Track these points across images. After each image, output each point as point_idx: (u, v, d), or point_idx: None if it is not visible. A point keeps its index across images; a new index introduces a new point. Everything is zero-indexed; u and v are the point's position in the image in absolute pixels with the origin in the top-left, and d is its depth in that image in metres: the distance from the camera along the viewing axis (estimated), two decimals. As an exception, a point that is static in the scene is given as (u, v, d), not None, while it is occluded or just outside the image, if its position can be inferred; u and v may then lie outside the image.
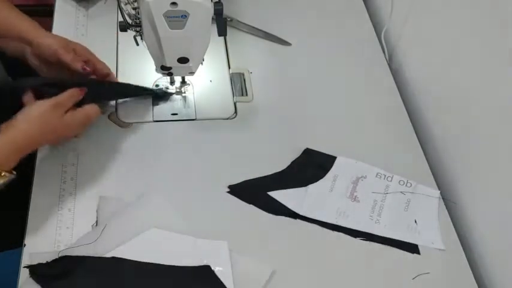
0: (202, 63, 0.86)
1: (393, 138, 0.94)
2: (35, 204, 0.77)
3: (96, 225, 0.76)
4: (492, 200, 0.81)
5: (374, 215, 0.83)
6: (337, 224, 0.81)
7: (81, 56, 0.83)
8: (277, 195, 0.83)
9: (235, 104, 0.95)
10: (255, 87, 0.98)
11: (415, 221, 0.83)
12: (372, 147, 0.92)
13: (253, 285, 0.72)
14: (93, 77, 0.86)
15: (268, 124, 0.93)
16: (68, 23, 1.01)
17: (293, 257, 0.77)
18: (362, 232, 0.81)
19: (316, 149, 0.89)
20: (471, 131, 0.86)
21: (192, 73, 0.87)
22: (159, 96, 0.93)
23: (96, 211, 0.78)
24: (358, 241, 0.80)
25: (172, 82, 0.94)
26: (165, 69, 0.85)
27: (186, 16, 0.74)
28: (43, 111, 0.74)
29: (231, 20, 1.07)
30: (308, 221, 0.81)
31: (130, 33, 0.82)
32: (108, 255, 0.72)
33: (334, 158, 0.88)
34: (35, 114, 0.74)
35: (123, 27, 0.81)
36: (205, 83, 0.97)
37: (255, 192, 0.83)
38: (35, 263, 0.71)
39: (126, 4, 0.79)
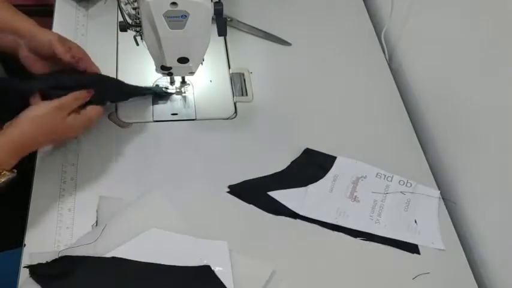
0: (202, 63, 0.86)
1: (393, 138, 0.94)
2: (35, 204, 0.77)
3: (96, 225, 0.76)
4: (492, 200, 0.81)
5: (374, 215, 0.83)
6: (337, 224, 0.81)
7: (76, 53, 0.83)
8: (277, 195, 0.83)
9: (235, 104, 0.95)
10: (255, 87, 0.98)
11: (415, 221, 0.83)
12: (372, 147, 0.92)
13: (253, 285, 0.72)
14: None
15: (268, 124, 0.93)
16: (68, 23, 1.01)
17: (293, 257, 0.77)
18: (362, 232, 0.81)
19: (316, 149, 0.89)
20: (471, 131, 0.86)
21: (192, 73, 0.87)
22: (159, 95, 0.93)
23: (96, 211, 0.78)
24: (358, 241, 0.80)
25: (172, 82, 0.94)
26: (165, 69, 0.85)
27: (186, 16, 0.74)
28: (46, 112, 0.75)
29: (231, 20, 1.07)
30: (308, 221, 0.81)
31: (130, 33, 0.82)
32: (108, 255, 0.72)
33: (334, 158, 0.88)
34: (38, 115, 0.74)
35: (123, 27, 0.81)
36: (205, 83, 0.97)
37: (255, 192, 0.83)
38: (35, 263, 0.70)
39: (126, 4, 0.79)
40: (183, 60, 0.82)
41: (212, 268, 0.72)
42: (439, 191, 0.87)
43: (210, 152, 0.87)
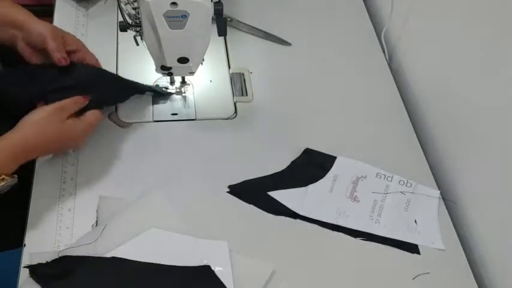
0: (202, 63, 0.86)
1: (393, 138, 0.94)
2: (35, 204, 0.77)
3: (96, 225, 0.76)
4: (492, 200, 0.81)
5: (374, 215, 0.83)
6: (337, 224, 0.81)
7: (70, 46, 0.83)
8: (277, 195, 0.83)
9: (235, 104, 0.95)
10: (255, 87, 0.98)
11: (415, 221, 0.83)
12: (372, 147, 0.92)
13: (253, 285, 0.72)
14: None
15: (268, 124, 0.93)
16: (68, 23, 1.01)
17: (293, 257, 0.77)
18: (362, 232, 0.81)
19: (316, 149, 0.89)
20: (471, 131, 0.86)
21: (192, 73, 0.87)
22: (159, 95, 0.93)
23: (96, 211, 0.78)
24: (358, 241, 0.80)
25: (172, 82, 0.94)
26: (165, 69, 0.85)
27: (186, 16, 0.74)
28: (45, 114, 0.75)
29: (231, 20, 1.07)
30: (308, 221, 0.81)
31: (130, 33, 0.82)
32: (108, 255, 0.72)
33: (334, 158, 0.88)
34: (36, 118, 0.74)
35: (123, 27, 0.81)
36: (205, 83, 0.97)
37: (255, 192, 0.83)
38: (35, 263, 0.70)
39: (126, 4, 0.79)
40: (183, 60, 0.82)
41: (212, 268, 0.72)
42: (439, 191, 0.87)
43: (210, 152, 0.87)
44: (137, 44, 0.84)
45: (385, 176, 0.87)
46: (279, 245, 0.78)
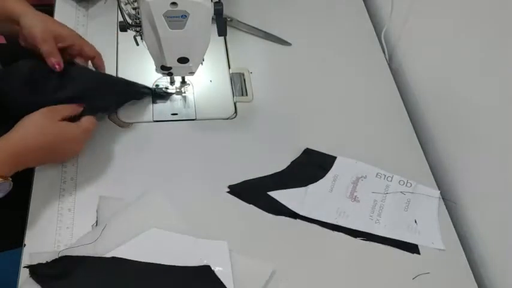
0: (202, 63, 0.86)
1: (393, 138, 0.94)
2: (35, 204, 0.77)
3: (96, 225, 0.76)
4: (492, 200, 0.81)
5: (374, 215, 0.83)
6: (337, 224, 0.81)
7: (64, 41, 0.83)
8: (277, 195, 0.83)
9: (235, 104, 0.95)
10: (255, 87, 0.98)
11: (415, 221, 0.83)
12: (372, 147, 0.92)
13: (253, 285, 0.72)
14: (80, 59, 0.87)
15: (268, 124, 0.93)
16: (68, 23, 0.99)
17: (293, 257, 0.77)
18: (362, 232, 0.81)
19: (316, 149, 0.89)
20: (471, 131, 0.86)
21: (192, 73, 0.87)
22: (158, 95, 0.93)
23: (96, 211, 0.78)
24: (358, 241, 0.80)
25: (172, 82, 0.94)
26: (165, 69, 0.85)
27: (186, 16, 0.74)
28: (37, 116, 0.75)
29: (231, 20, 1.07)
30: (308, 221, 0.81)
31: (130, 33, 0.82)
32: (108, 255, 0.72)
33: (334, 158, 0.88)
34: (28, 120, 0.74)
35: (123, 27, 0.81)
36: (205, 83, 0.97)
37: (255, 192, 0.83)
38: (35, 263, 0.70)
39: (126, 4, 0.79)
40: (183, 60, 0.82)
41: (212, 268, 0.72)
42: (439, 191, 0.87)
43: (210, 152, 0.87)
44: (137, 44, 0.84)
45: (385, 176, 0.87)
46: (279, 245, 0.78)
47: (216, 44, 1.00)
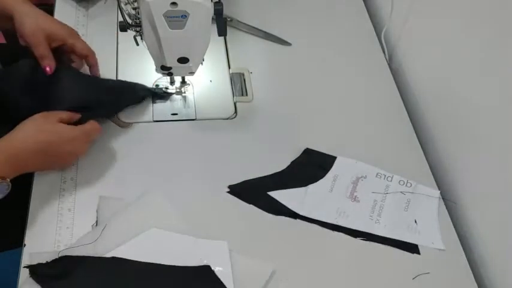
0: (202, 63, 0.86)
1: (393, 138, 0.94)
2: (35, 204, 0.77)
3: (96, 225, 0.76)
4: (492, 200, 0.81)
5: (374, 215, 0.83)
6: (337, 224, 0.81)
7: (56, 41, 0.83)
8: (277, 195, 0.83)
9: (235, 104, 0.95)
10: (255, 87, 0.98)
11: (415, 221, 0.83)
12: (372, 147, 0.92)
13: (253, 285, 0.72)
14: (76, 57, 0.87)
15: (268, 124, 0.93)
16: (67, 23, 1.00)
17: (293, 257, 0.77)
18: (362, 232, 0.81)
19: (316, 149, 0.89)
20: (471, 131, 0.86)
21: (192, 73, 0.87)
22: (158, 95, 0.93)
23: (96, 211, 0.78)
24: (358, 241, 0.80)
25: (172, 82, 0.94)
26: (165, 69, 0.85)
27: (186, 16, 0.74)
28: (36, 119, 0.75)
29: (231, 20, 1.07)
30: (308, 221, 0.81)
31: (130, 33, 0.82)
32: (108, 255, 0.72)
33: (334, 158, 0.88)
34: (28, 123, 0.74)
35: (123, 27, 0.81)
36: (205, 83, 0.97)
37: (255, 192, 0.83)
38: (35, 263, 0.70)
39: (126, 4, 0.79)
40: (183, 60, 0.82)
41: (212, 268, 0.72)
42: (439, 191, 0.87)
43: (210, 152, 0.87)
44: (137, 44, 0.84)
45: (385, 176, 0.87)
46: (279, 245, 0.78)
47: (216, 44, 1.00)
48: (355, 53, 1.06)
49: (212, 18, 0.77)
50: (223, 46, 1.04)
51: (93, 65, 0.89)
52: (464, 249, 0.82)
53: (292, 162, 0.87)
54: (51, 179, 0.80)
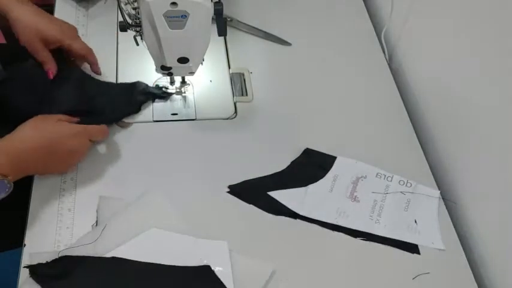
0: (202, 63, 0.86)
1: (393, 138, 0.94)
2: (35, 204, 0.77)
3: (96, 225, 0.76)
4: (492, 200, 0.81)
5: (374, 215, 0.83)
6: (337, 224, 0.81)
7: (53, 44, 0.83)
8: (277, 195, 0.83)
9: (235, 104, 0.95)
10: (255, 87, 0.98)
11: (415, 221, 0.83)
12: (372, 147, 0.92)
13: (253, 285, 0.72)
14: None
15: (268, 124, 0.93)
16: (68, 23, 1.01)
17: (293, 257, 0.77)
18: (362, 232, 0.81)
19: (316, 149, 0.89)
20: (471, 131, 0.86)
21: (192, 73, 0.87)
22: (158, 95, 0.93)
23: (96, 211, 0.78)
24: (358, 241, 0.80)
25: (172, 82, 0.94)
26: (165, 69, 0.85)
27: (186, 16, 0.74)
28: (35, 120, 0.75)
29: (231, 20, 1.07)
30: (308, 221, 0.81)
31: (130, 33, 0.82)
32: (108, 255, 0.72)
33: (334, 158, 0.88)
34: (27, 124, 0.75)
35: (123, 27, 0.81)
36: (205, 83, 0.97)
37: (255, 192, 0.83)
38: (35, 263, 0.70)
39: (126, 4, 0.79)
40: (183, 60, 0.82)
41: (212, 268, 0.72)
42: (439, 191, 0.87)
43: (210, 152, 0.87)
44: (137, 44, 0.84)
45: (385, 176, 0.87)
46: (279, 245, 0.78)
47: (216, 44, 1.00)
48: (355, 53, 1.06)
49: (212, 18, 0.77)
50: (223, 46, 1.04)
51: (93, 63, 0.89)
52: (464, 249, 0.82)
53: (292, 162, 0.87)
54: (51, 179, 0.80)
